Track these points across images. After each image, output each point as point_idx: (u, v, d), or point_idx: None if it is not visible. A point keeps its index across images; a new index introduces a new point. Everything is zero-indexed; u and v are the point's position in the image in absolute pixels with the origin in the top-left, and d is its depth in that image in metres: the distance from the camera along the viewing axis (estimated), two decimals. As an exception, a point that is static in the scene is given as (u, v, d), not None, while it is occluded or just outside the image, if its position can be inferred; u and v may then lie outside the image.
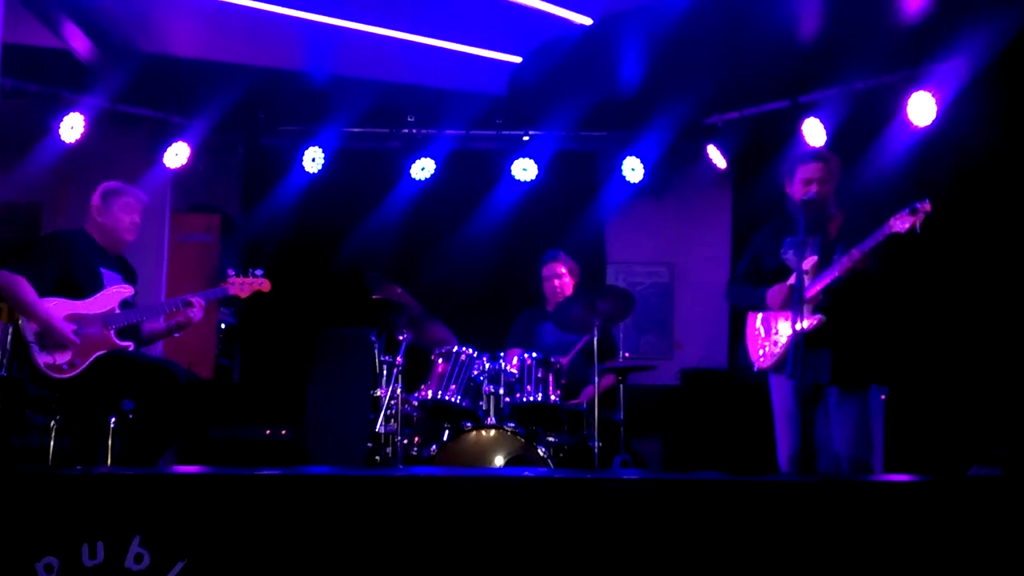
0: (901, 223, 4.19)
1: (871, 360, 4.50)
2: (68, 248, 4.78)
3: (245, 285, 5.04)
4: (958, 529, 2.71)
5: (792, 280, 4.51)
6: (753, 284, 4.80)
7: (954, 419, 5.79)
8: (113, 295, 4.80)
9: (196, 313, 4.91)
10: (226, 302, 6.34)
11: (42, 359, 4.53)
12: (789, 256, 4.52)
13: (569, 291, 6.33)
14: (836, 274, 4.34)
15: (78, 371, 4.58)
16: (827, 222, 4.63)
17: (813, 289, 4.42)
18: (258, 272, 5.08)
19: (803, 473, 4.32)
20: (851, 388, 4.42)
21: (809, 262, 4.52)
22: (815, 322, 4.39)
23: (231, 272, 5.05)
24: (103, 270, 4.83)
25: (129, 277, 5.00)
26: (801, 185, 4.61)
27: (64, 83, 6.96)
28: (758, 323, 4.80)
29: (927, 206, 4.16)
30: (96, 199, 4.94)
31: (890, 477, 3.65)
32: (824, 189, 4.56)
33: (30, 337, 4.53)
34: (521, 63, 6.75)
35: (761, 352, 4.71)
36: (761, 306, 4.70)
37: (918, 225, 4.15)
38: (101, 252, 4.91)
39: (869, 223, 4.49)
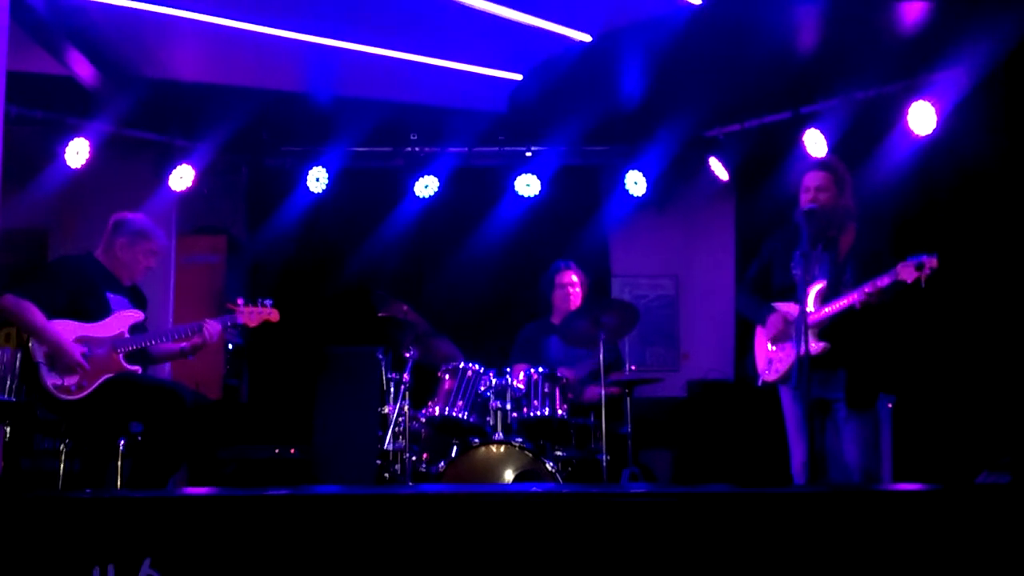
0: (908, 274, 4.14)
1: (879, 378, 4.50)
2: (76, 273, 4.81)
3: (254, 314, 5.06)
4: (968, 537, 2.71)
5: (790, 312, 4.50)
6: (762, 294, 4.80)
7: (963, 426, 5.78)
8: (123, 319, 4.83)
9: (212, 330, 4.91)
10: (234, 328, 6.36)
11: (51, 380, 4.55)
12: (797, 273, 4.49)
13: (579, 302, 6.33)
14: (845, 305, 4.34)
15: (86, 393, 4.60)
16: (837, 235, 4.58)
17: (819, 315, 4.41)
18: (267, 302, 5.10)
19: (811, 483, 4.33)
20: (860, 406, 4.42)
21: (817, 286, 4.49)
22: (820, 349, 4.39)
23: (240, 301, 5.06)
24: (110, 295, 4.86)
25: (138, 303, 5.03)
26: (803, 192, 4.59)
27: (69, 109, 7.00)
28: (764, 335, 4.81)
29: (934, 262, 4.09)
30: (120, 235, 4.96)
31: (900, 486, 3.64)
32: (826, 197, 4.50)
33: (39, 358, 4.55)
34: (522, 80, 6.79)
35: (768, 365, 4.71)
36: (760, 324, 4.71)
37: (923, 280, 4.10)
38: (109, 278, 4.93)
39: (881, 246, 4.48)
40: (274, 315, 5.10)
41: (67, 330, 4.62)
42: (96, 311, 4.76)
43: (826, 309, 4.39)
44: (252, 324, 5.07)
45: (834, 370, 4.45)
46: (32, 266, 7.20)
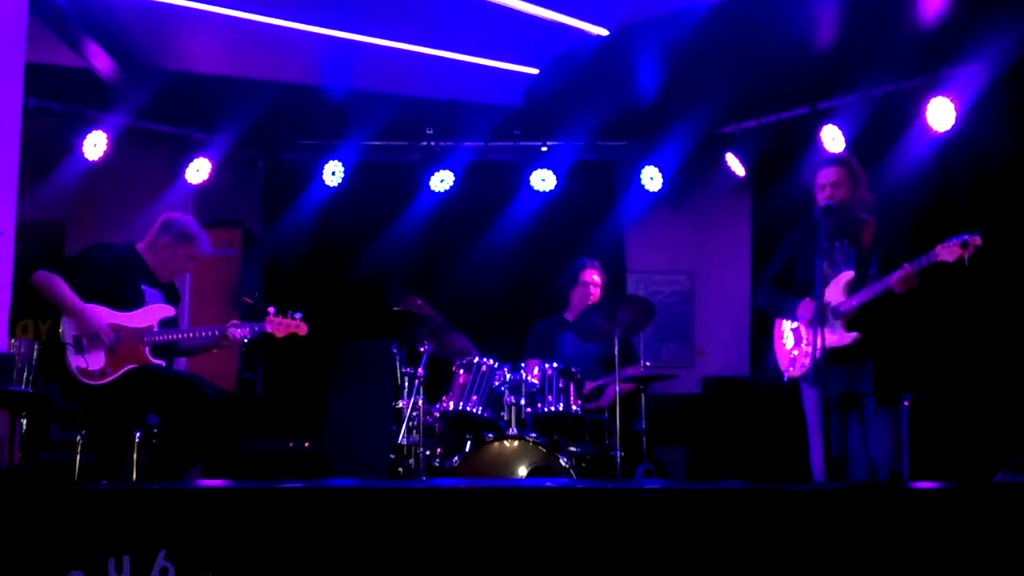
0: (949, 253, 4.09)
1: (906, 372, 4.47)
2: (114, 261, 4.85)
3: (282, 325, 5.03)
4: (985, 536, 2.69)
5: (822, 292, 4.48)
6: (784, 289, 4.76)
7: (979, 425, 5.74)
8: (154, 312, 4.84)
9: (235, 335, 4.94)
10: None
11: (76, 363, 4.56)
12: (820, 266, 4.47)
13: (597, 300, 6.33)
14: (875, 293, 4.31)
15: (108, 380, 4.61)
16: (858, 230, 4.57)
17: (849, 304, 4.39)
18: (297, 315, 5.05)
19: (832, 480, 4.31)
20: (889, 401, 4.40)
21: (845, 276, 4.48)
22: (850, 339, 4.36)
23: (271, 310, 5.03)
24: (145, 288, 4.89)
25: (171, 298, 5.06)
26: (819, 190, 4.59)
27: (87, 101, 7.03)
28: (787, 331, 4.77)
29: (978, 240, 4.06)
30: (166, 235, 4.99)
31: (916, 484, 3.62)
32: (841, 193, 4.52)
33: (68, 339, 4.57)
34: (538, 74, 6.78)
35: (792, 360, 4.68)
36: (791, 316, 4.67)
37: (967, 258, 4.06)
38: (146, 272, 4.96)
39: (901, 236, 4.45)
40: (302, 328, 5.05)
41: (99, 313, 4.64)
42: (130, 300, 4.79)
43: (861, 295, 4.36)
44: (280, 335, 5.02)
45: (862, 362, 4.43)
46: (49, 258, 7.22)
